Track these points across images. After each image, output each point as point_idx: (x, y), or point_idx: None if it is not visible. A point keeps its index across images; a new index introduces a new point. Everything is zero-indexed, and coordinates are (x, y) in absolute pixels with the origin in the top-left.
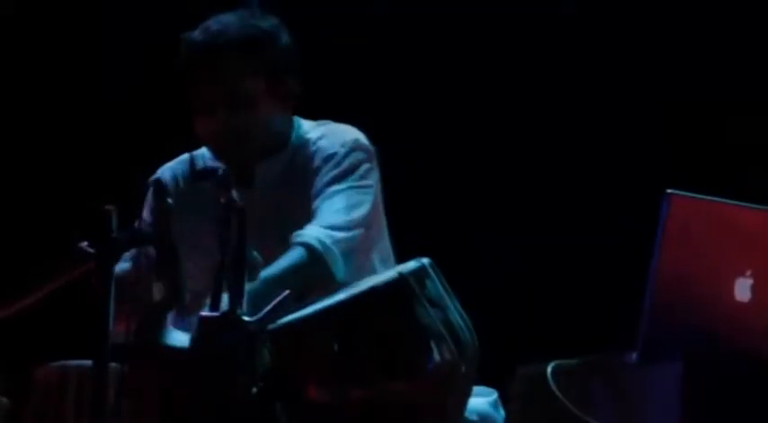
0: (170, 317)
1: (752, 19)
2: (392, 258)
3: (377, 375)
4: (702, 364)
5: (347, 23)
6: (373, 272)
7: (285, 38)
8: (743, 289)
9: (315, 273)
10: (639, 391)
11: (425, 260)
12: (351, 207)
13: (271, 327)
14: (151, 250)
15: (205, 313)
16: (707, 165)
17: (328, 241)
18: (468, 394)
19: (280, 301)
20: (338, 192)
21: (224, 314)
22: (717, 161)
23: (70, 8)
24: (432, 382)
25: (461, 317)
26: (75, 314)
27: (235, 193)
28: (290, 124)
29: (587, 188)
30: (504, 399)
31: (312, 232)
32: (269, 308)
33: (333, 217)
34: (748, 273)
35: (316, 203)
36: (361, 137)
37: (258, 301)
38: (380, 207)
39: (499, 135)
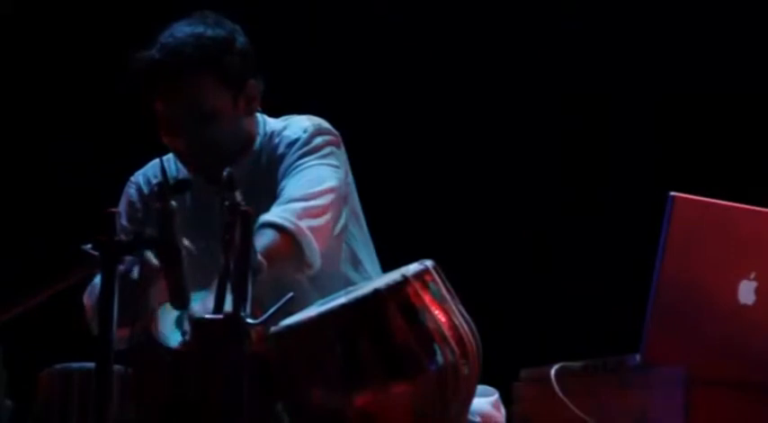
0: (173, 319)
1: (752, 18)
2: (372, 247)
3: (380, 377)
4: (706, 367)
5: (347, 25)
6: (353, 259)
7: (241, 40)
8: (747, 292)
9: (286, 250)
10: (643, 393)
11: (428, 262)
12: (312, 180)
13: (274, 329)
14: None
15: (208, 315)
16: (711, 166)
17: (287, 214)
18: (471, 396)
19: (283, 304)
20: (300, 170)
21: (227, 316)
22: (721, 162)
23: (69, 8)
24: (434, 384)
25: (464, 319)
26: (78, 317)
27: (238, 196)
28: (255, 122)
29: (591, 189)
30: (508, 400)
31: (273, 211)
32: (272, 310)
33: (293, 191)
34: (752, 275)
35: (281, 186)
36: (323, 122)
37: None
38: (354, 192)
39: (501, 135)
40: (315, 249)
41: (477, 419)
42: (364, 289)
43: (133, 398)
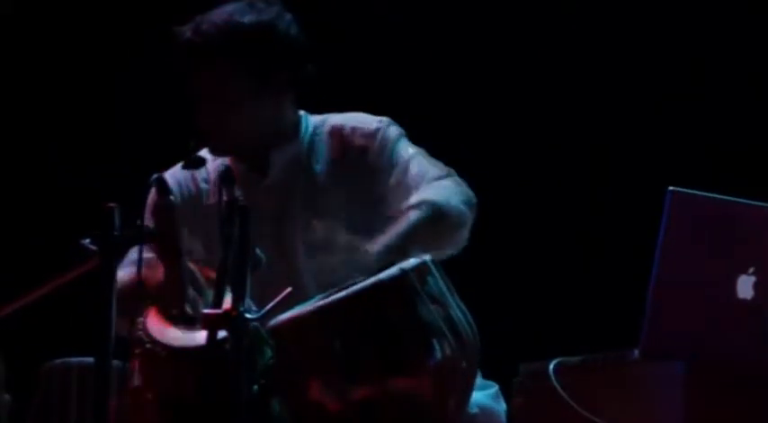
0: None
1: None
2: None
3: (378, 372)
4: (705, 362)
5: (347, 25)
6: None
7: (281, 30)
8: (745, 286)
9: (442, 222)
10: (642, 388)
11: (427, 257)
12: (430, 163)
13: (272, 323)
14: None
15: (207, 310)
16: (710, 161)
17: (442, 192)
18: (469, 391)
19: (282, 298)
20: (411, 158)
21: (226, 311)
22: (720, 157)
23: (69, 8)
24: (433, 378)
25: (463, 313)
26: (77, 312)
27: (237, 190)
28: (294, 113)
29: (589, 185)
30: (506, 394)
31: (424, 193)
32: (272, 304)
33: (431, 171)
34: (751, 270)
35: (396, 177)
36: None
37: (392, 255)
38: None
39: (500, 134)
40: (468, 226)
41: (477, 411)
42: (362, 283)
43: (132, 393)
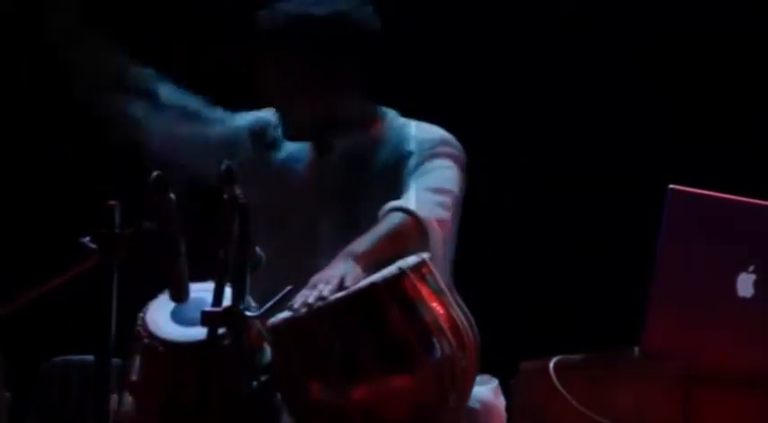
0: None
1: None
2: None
3: (378, 371)
4: (705, 361)
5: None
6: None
7: (356, 22)
8: (745, 285)
9: (412, 235)
10: (642, 386)
11: (426, 255)
12: (442, 178)
13: (272, 321)
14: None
15: (207, 308)
16: (709, 160)
17: (419, 202)
18: (469, 388)
19: (283, 296)
20: (431, 168)
21: (226, 309)
22: (720, 155)
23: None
24: (433, 376)
25: (462, 311)
26: (77, 310)
27: (238, 189)
28: (362, 104)
29: (589, 184)
30: (507, 393)
31: (406, 197)
32: (272, 302)
33: (426, 183)
34: (751, 268)
35: (408, 181)
36: (455, 140)
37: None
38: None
39: (500, 131)
40: (438, 241)
41: (478, 406)
42: (361, 282)
43: (131, 390)
